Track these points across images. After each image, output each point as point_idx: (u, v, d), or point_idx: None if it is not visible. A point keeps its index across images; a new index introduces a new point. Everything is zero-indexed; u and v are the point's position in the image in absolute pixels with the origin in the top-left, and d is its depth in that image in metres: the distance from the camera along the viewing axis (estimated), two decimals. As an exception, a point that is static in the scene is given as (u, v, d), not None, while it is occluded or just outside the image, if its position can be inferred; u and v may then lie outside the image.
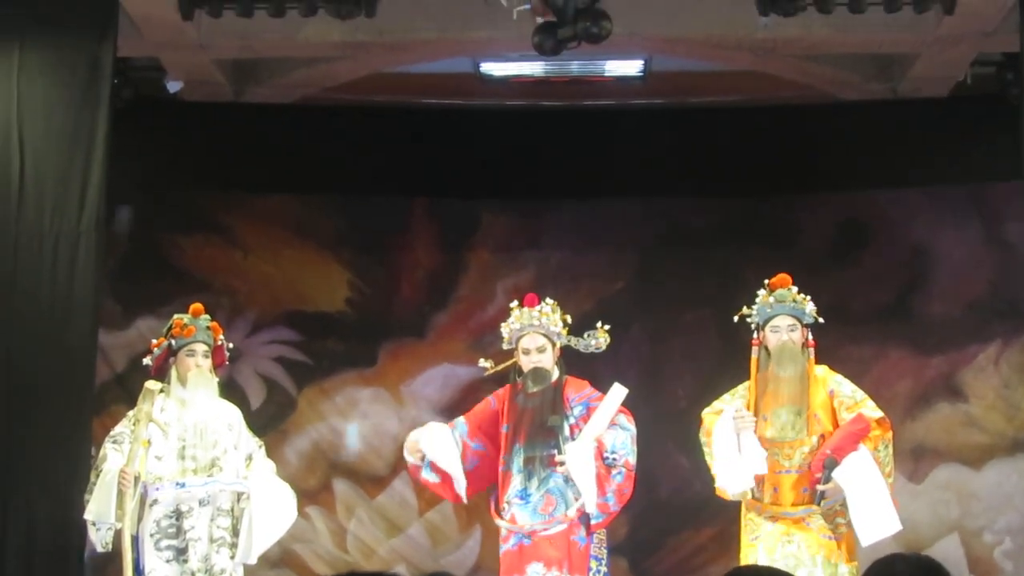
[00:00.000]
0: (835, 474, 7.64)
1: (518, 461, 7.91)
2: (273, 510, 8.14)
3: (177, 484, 7.96)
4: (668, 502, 10.45)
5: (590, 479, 7.74)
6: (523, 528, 7.87)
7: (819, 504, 7.74)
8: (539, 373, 7.91)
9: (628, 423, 7.94)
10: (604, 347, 8.02)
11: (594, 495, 7.72)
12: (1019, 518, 10.25)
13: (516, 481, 7.93)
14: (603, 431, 7.84)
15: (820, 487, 7.68)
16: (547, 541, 7.83)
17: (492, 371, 8.11)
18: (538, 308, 7.98)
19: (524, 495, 7.92)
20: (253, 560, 8.07)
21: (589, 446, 7.79)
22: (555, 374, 7.97)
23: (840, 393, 7.92)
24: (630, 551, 10.51)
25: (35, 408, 8.14)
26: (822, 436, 7.84)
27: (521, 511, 7.89)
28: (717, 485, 7.90)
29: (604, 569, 8.02)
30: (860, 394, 7.94)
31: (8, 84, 8.42)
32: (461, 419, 8.15)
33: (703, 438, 8.08)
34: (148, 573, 7.85)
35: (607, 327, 8.02)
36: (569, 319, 8.06)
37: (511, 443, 7.96)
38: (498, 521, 7.98)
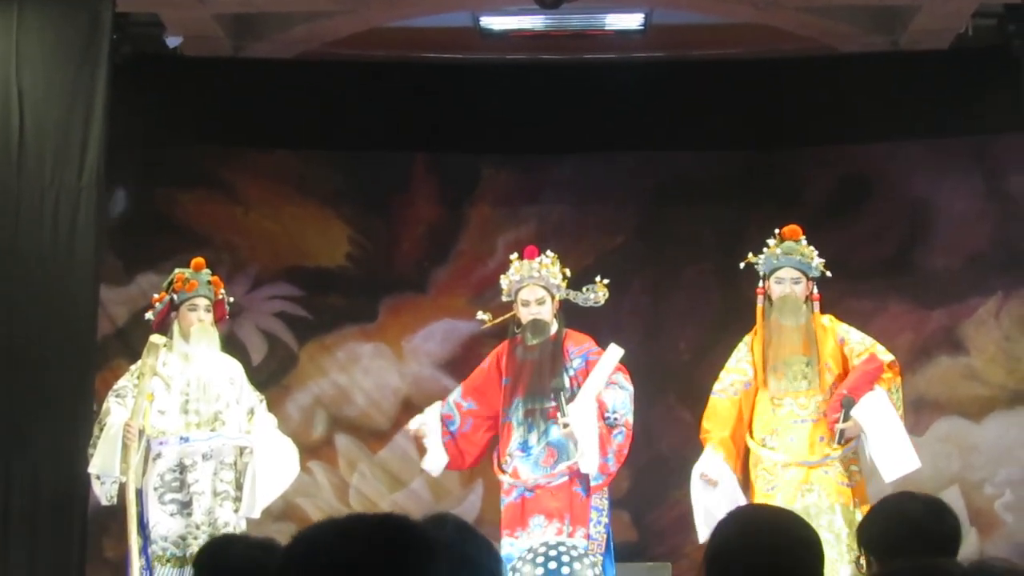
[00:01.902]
0: (854, 412, 7.73)
1: (518, 414, 7.99)
2: (276, 465, 8.18)
3: (181, 438, 8.00)
4: (670, 457, 10.46)
5: (593, 441, 7.78)
6: (526, 482, 7.92)
7: (840, 442, 7.81)
8: (538, 325, 7.97)
9: (626, 382, 8.00)
10: (603, 301, 8.08)
11: (596, 457, 7.76)
12: (1019, 471, 10.27)
13: (517, 434, 8.00)
14: (602, 390, 7.87)
15: (840, 426, 7.74)
16: (549, 493, 7.90)
17: (490, 324, 8.17)
18: (538, 260, 8.08)
19: (525, 447, 7.98)
20: (256, 514, 8.11)
21: (591, 406, 7.83)
22: (554, 327, 8.03)
23: (850, 340, 8.00)
24: (632, 505, 10.54)
25: (38, 363, 8.16)
26: (835, 384, 7.90)
27: (523, 464, 7.97)
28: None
29: (605, 520, 8.08)
30: (869, 340, 8.03)
31: (7, 41, 8.41)
32: (458, 387, 8.26)
33: (705, 424, 8.14)
34: (152, 527, 7.89)
35: (606, 281, 8.08)
36: (568, 272, 8.09)
37: (511, 396, 8.02)
38: (500, 476, 8.03)
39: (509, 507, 8.02)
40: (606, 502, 8.14)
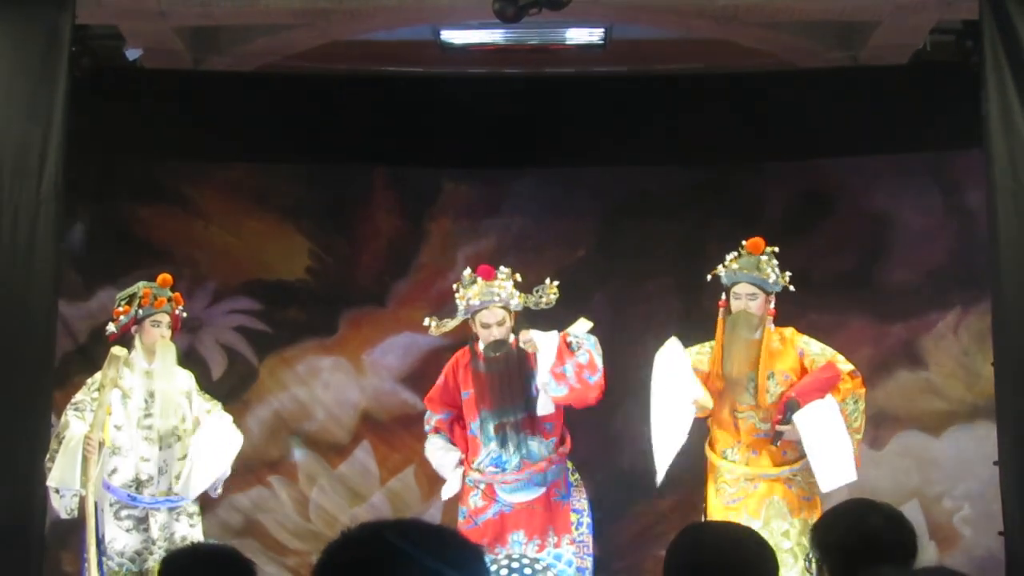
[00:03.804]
0: (795, 417, 7.79)
1: (488, 428, 7.98)
2: (214, 446, 8.16)
3: (136, 453, 7.97)
4: (628, 471, 10.50)
5: (551, 345, 7.78)
6: (503, 499, 7.98)
7: (775, 444, 7.87)
8: (498, 344, 7.97)
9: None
10: (554, 303, 8.11)
11: (553, 359, 7.77)
12: (978, 485, 10.32)
13: (487, 450, 8.00)
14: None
15: (778, 427, 7.81)
16: (528, 508, 7.91)
17: (437, 331, 8.14)
18: (496, 282, 8.06)
19: (499, 462, 7.99)
20: (191, 496, 8.06)
21: (555, 336, 7.85)
22: (512, 337, 8.03)
23: (810, 352, 8.07)
24: (594, 519, 10.55)
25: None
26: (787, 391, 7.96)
27: (498, 482, 7.97)
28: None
29: (587, 520, 8.12)
30: (830, 351, 8.10)
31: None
32: (428, 412, 8.29)
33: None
34: (108, 542, 7.88)
35: (556, 283, 8.09)
36: (519, 277, 8.12)
37: (475, 409, 8.02)
38: (472, 476, 8.05)
39: (488, 523, 8.04)
40: (585, 502, 8.20)
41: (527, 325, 8.23)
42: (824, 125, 10.38)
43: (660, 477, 8.06)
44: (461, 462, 8.12)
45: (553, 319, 8.26)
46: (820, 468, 7.83)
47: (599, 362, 7.91)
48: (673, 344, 8.17)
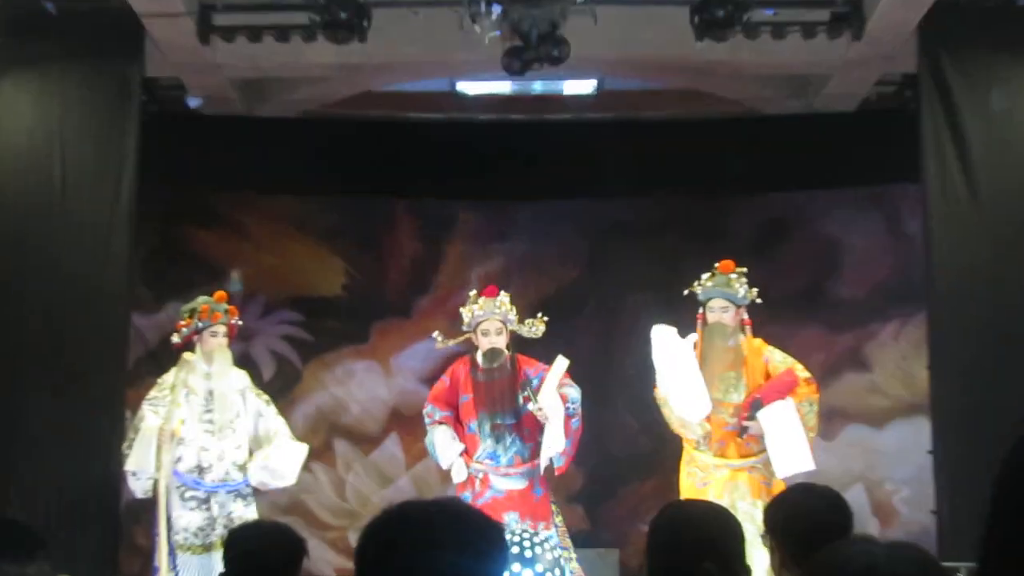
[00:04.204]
0: (759, 414, 7.79)
1: (486, 427, 8.08)
2: (280, 463, 8.19)
3: (198, 444, 7.97)
4: (618, 457, 10.48)
5: (561, 422, 7.93)
6: (497, 485, 8.03)
7: (741, 436, 7.87)
8: (495, 352, 8.15)
9: (575, 384, 8.11)
10: (540, 334, 8.27)
11: (563, 439, 7.92)
12: (914, 470, 10.26)
13: (484, 445, 8.09)
14: (559, 388, 8.01)
15: (744, 423, 7.81)
16: (517, 495, 8.00)
17: (442, 344, 8.23)
18: (498, 299, 8.21)
19: (494, 456, 8.09)
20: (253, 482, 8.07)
21: (556, 397, 7.97)
22: (507, 353, 8.12)
23: (773, 360, 8.06)
24: (585, 499, 10.57)
25: (81, 378, 8.18)
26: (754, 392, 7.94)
27: (493, 471, 8.07)
28: (680, 416, 7.91)
29: (560, 517, 8.19)
30: (790, 360, 8.09)
31: (52, 100, 8.43)
32: (432, 406, 8.26)
33: (658, 396, 8.12)
34: (176, 519, 7.88)
35: (545, 318, 8.18)
36: (531, 300, 8.22)
37: (476, 411, 8.12)
38: (474, 466, 8.07)
39: (482, 507, 8.03)
40: (555, 506, 8.23)
41: (519, 346, 8.27)
42: (783, 163, 10.37)
43: (701, 415, 7.96)
44: (461, 454, 8.15)
45: (550, 331, 8.26)
46: (777, 457, 7.82)
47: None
48: (668, 329, 8.13)
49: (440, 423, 8.24)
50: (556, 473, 8.11)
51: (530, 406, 7.97)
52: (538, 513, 8.00)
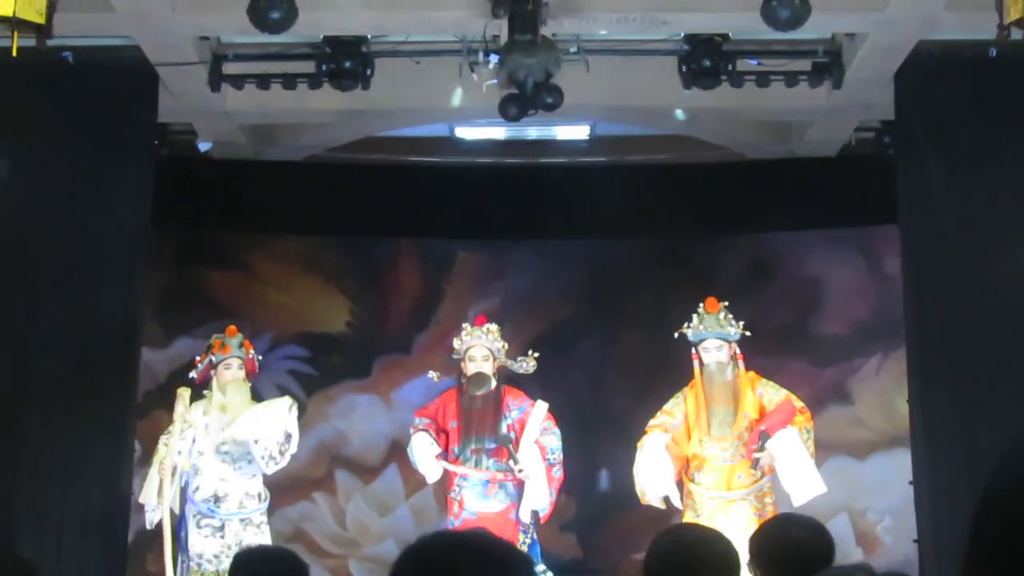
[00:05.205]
0: (768, 444, 7.84)
1: (466, 452, 8.16)
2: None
3: (215, 474, 8.04)
4: (609, 487, 10.52)
5: (543, 482, 8.05)
6: (472, 507, 8.14)
7: (754, 468, 7.92)
8: (481, 377, 8.27)
9: (555, 428, 8.27)
10: (532, 371, 8.37)
11: (546, 497, 8.02)
12: (897, 500, 10.28)
13: (467, 467, 8.16)
14: (538, 436, 8.11)
15: (756, 455, 7.88)
16: (490, 518, 8.07)
17: (438, 380, 8.52)
18: (485, 327, 8.40)
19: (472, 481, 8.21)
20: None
21: (535, 451, 8.07)
22: (494, 383, 8.30)
23: (768, 393, 8.15)
24: (577, 528, 10.58)
25: (92, 408, 8.21)
26: (752, 425, 8.02)
27: (469, 492, 8.18)
28: (640, 485, 8.06)
29: (530, 538, 8.24)
30: (784, 392, 8.16)
31: (70, 146, 8.48)
32: (418, 419, 8.37)
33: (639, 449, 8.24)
34: (191, 546, 7.94)
35: (536, 355, 8.33)
36: (506, 345, 8.32)
37: (461, 436, 8.22)
38: (457, 468, 8.17)
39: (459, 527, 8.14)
40: (531, 525, 8.29)
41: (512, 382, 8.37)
42: (767, 205, 10.43)
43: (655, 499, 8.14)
44: (438, 457, 8.24)
45: (545, 367, 8.36)
46: (792, 485, 7.89)
47: (562, 458, 8.25)
48: (657, 440, 8.22)
49: (422, 430, 8.35)
50: (541, 522, 8.24)
51: (510, 463, 8.08)
52: (510, 537, 8.04)
